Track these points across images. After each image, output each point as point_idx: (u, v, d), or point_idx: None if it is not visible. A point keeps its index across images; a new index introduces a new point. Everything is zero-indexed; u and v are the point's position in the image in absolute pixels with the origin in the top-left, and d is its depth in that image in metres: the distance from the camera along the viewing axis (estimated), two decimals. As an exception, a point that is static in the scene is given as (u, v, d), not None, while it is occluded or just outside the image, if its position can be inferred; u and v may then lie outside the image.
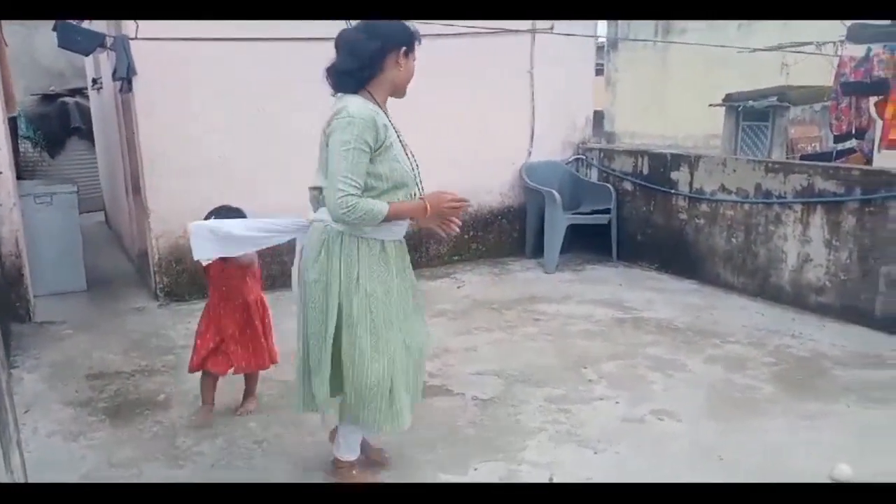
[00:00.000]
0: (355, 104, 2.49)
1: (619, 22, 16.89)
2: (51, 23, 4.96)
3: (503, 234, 6.69)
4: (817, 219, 4.95)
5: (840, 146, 6.90)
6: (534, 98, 6.54)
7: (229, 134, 5.33)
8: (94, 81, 7.65)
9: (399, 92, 2.67)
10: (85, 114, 9.06)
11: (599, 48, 15.21)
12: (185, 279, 5.37)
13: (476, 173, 6.24)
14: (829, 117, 7.09)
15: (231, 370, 3.44)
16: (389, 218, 2.53)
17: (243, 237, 2.86)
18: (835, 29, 7.66)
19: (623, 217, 6.48)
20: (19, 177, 6.27)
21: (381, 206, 2.50)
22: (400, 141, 2.64)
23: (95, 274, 6.02)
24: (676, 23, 15.41)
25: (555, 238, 6.19)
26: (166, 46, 4.85)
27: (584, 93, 6.90)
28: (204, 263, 3.13)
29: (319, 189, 2.60)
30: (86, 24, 5.42)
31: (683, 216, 5.95)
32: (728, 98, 9.22)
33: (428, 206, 2.61)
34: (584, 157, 6.86)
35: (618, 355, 4.24)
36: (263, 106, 5.37)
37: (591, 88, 7.06)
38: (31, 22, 8.14)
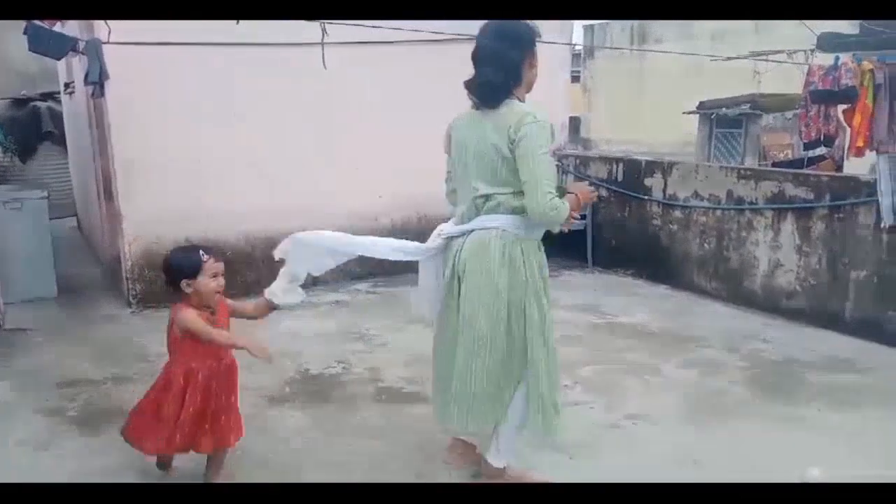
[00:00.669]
0: (534, 109, 2.55)
1: (596, 30, 17.09)
2: (22, 25, 4.87)
3: (480, 241, 6.67)
4: (788, 225, 5.03)
5: (811, 153, 7.02)
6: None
7: (202, 138, 5.27)
8: (67, 86, 7.55)
9: (529, 90, 2.71)
10: (57, 118, 8.92)
11: (576, 56, 15.39)
12: (158, 286, 5.30)
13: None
14: (798, 124, 7.20)
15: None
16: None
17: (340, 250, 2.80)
18: (806, 37, 7.80)
19: (598, 223, 6.53)
20: (-11, 182, 6.17)
21: (566, 204, 2.60)
22: None
23: (67, 280, 5.92)
24: (652, 32, 15.62)
25: (531, 244, 6.20)
26: (139, 50, 4.79)
27: (560, 99, 6.93)
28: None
29: (486, 197, 2.63)
30: (58, 27, 5.34)
31: (657, 222, 6.00)
32: (701, 105, 9.34)
33: (579, 198, 2.72)
34: (559, 164, 6.90)
35: (594, 360, 4.26)
36: (237, 110, 5.33)
37: (566, 95, 7.10)
38: (1, 23, 8.00)
